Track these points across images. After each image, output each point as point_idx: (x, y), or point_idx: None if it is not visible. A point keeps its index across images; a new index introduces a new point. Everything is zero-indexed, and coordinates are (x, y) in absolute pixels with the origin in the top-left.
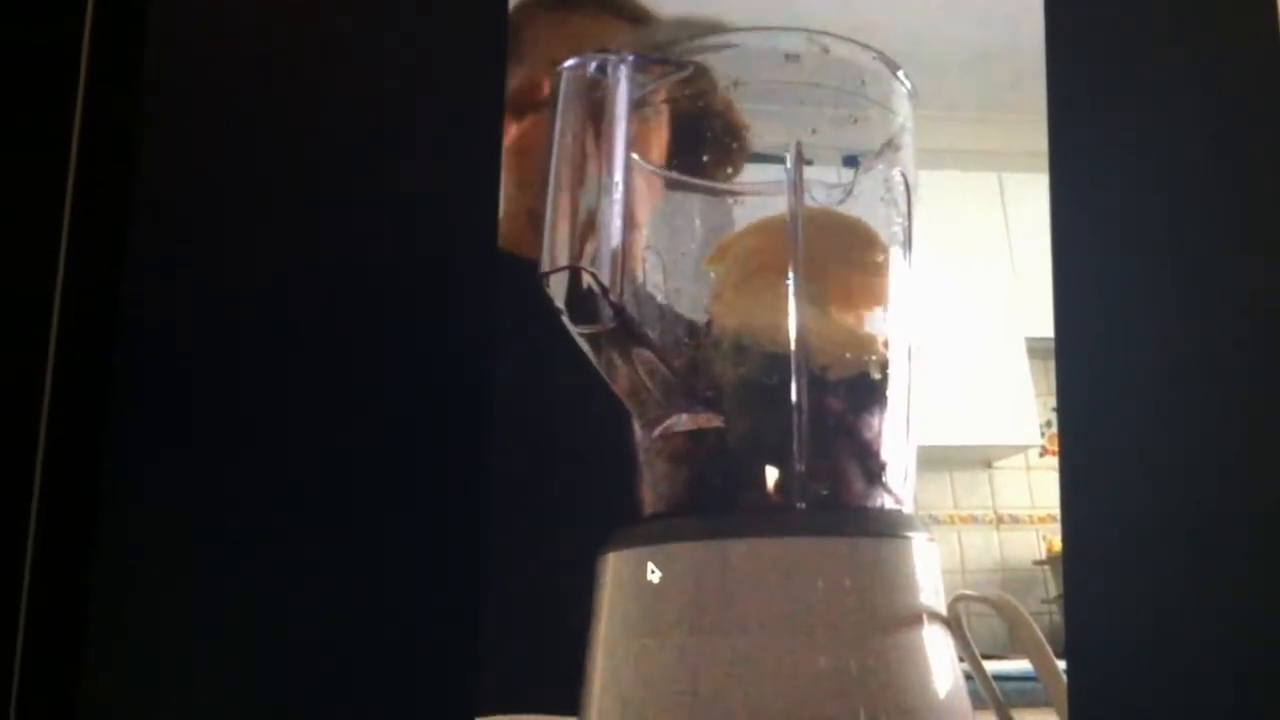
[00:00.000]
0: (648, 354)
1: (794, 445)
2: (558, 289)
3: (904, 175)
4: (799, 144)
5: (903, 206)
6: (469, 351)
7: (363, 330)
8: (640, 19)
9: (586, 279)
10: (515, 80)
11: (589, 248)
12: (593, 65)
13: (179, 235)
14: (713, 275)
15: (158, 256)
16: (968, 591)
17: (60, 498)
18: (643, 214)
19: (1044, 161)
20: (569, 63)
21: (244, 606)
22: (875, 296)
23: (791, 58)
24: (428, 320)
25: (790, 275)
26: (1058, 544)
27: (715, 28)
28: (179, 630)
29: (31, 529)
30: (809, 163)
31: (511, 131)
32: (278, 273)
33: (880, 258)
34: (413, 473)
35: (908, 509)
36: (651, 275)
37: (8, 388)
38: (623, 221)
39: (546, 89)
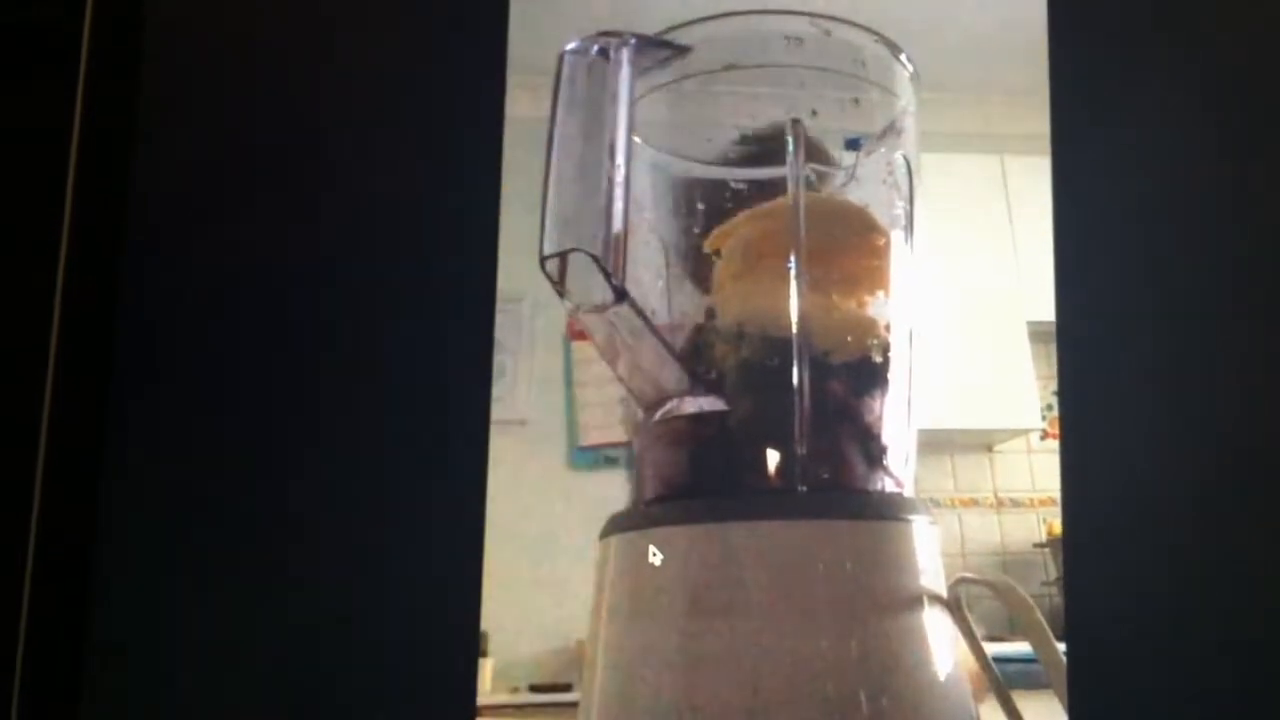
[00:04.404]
0: (650, 336)
1: (795, 428)
2: (559, 272)
3: (906, 158)
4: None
5: (905, 190)
6: (470, 345)
7: (362, 319)
8: None
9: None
10: None
11: (591, 231)
12: (594, 48)
13: (179, 222)
14: (714, 259)
15: (158, 244)
16: (968, 574)
17: (61, 495)
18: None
19: (1046, 145)
20: (570, 45)
21: (244, 603)
22: (877, 281)
23: (793, 40)
24: (430, 311)
25: (792, 259)
26: (1058, 527)
27: (717, 9)
28: (180, 622)
29: (32, 532)
30: None
31: None
32: (278, 261)
33: (881, 242)
34: (413, 466)
35: (908, 492)
36: (653, 259)
37: (9, 383)
38: (624, 205)
39: None
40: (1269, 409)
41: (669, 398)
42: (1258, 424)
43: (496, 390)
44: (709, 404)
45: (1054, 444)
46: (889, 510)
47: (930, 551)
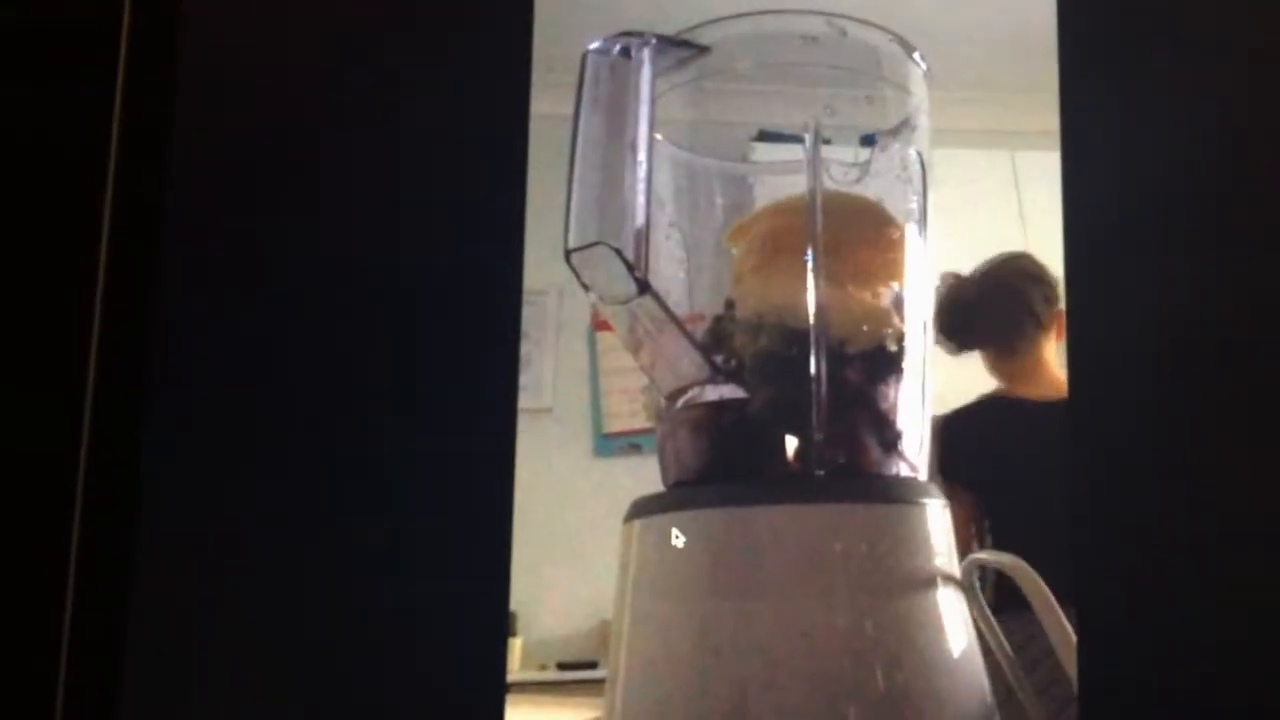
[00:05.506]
0: (671, 327)
1: (813, 416)
2: (584, 265)
3: (919, 154)
4: (818, 124)
5: (918, 184)
6: (498, 336)
7: (393, 312)
8: None
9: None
10: None
11: (614, 225)
12: (617, 48)
13: (214, 217)
14: (733, 252)
15: (194, 239)
16: (980, 554)
17: (102, 493)
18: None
19: (1056, 140)
20: (593, 45)
21: (279, 585)
22: (891, 273)
23: (810, 40)
24: (459, 304)
25: (809, 252)
26: None
27: (736, 10)
28: (218, 602)
29: (75, 534)
30: (827, 142)
31: None
32: (310, 256)
33: (895, 235)
34: (444, 453)
35: (923, 476)
36: (675, 252)
37: (50, 383)
38: (646, 200)
39: None
40: (1275, 396)
41: (690, 386)
42: (1266, 416)
43: (524, 380)
44: (729, 392)
45: None
46: (904, 494)
47: (943, 533)
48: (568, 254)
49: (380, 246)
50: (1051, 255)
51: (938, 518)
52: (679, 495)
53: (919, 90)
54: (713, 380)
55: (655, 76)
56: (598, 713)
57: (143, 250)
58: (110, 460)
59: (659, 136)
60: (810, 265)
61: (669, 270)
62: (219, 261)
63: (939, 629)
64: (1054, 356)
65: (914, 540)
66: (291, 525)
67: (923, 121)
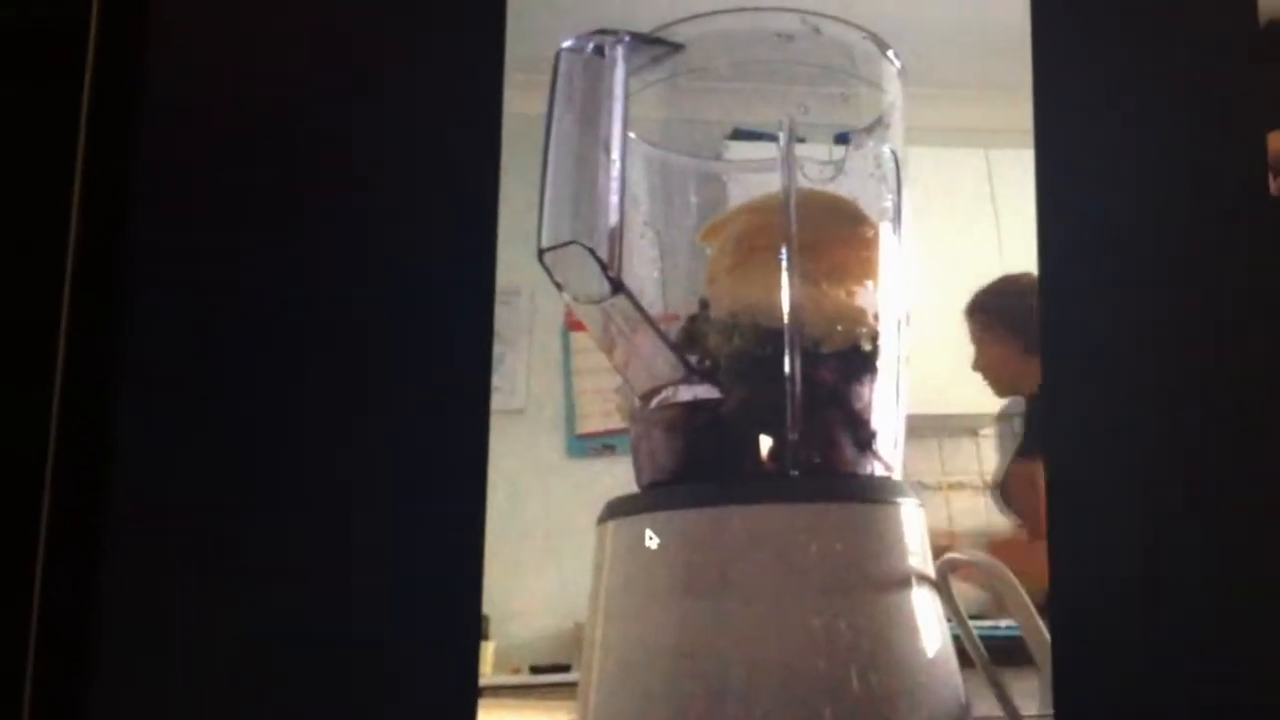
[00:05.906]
0: (645, 327)
1: (788, 415)
2: (557, 265)
3: (894, 152)
4: (792, 122)
5: (892, 182)
6: (470, 336)
7: (366, 311)
8: None
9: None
10: None
11: (587, 224)
12: (590, 46)
13: (183, 217)
14: (708, 251)
15: (163, 239)
16: (956, 554)
17: (70, 495)
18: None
19: (1030, 138)
20: (566, 43)
21: (250, 587)
22: (865, 271)
23: (784, 37)
24: (432, 303)
25: (783, 251)
26: None
27: (710, 8)
28: (186, 605)
29: (43, 528)
30: (801, 140)
31: None
32: (281, 255)
33: (869, 233)
34: (416, 454)
35: (897, 475)
36: (649, 251)
37: (18, 375)
38: (619, 199)
39: None
40: (1250, 390)
41: (664, 386)
42: (1243, 400)
43: (496, 379)
44: (703, 392)
45: None
46: (878, 493)
47: (918, 532)
48: (541, 253)
49: (352, 245)
50: (1025, 253)
51: (912, 517)
52: (653, 496)
53: (893, 88)
54: (687, 380)
55: (629, 74)
56: (571, 716)
57: (110, 247)
58: (78, 459)
59: (633, 135)
60: (784, 264)
61: (643, 269)
62: (186, 261)
63: (914, 629)
64: None
65: (888, 540)
66: (257, 528)
67: (897, 119)
